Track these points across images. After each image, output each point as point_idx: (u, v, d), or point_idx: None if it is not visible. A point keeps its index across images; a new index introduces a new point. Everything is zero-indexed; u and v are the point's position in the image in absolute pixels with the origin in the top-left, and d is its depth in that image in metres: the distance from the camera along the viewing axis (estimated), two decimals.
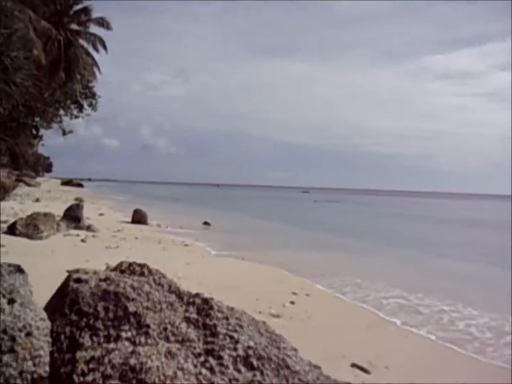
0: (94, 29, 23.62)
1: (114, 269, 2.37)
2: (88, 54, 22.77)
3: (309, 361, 1.95)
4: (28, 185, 27.47)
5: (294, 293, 6.04)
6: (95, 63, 23.30)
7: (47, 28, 19.27)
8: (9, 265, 2.04)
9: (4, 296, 1.78)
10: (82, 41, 22.97)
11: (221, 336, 1.83)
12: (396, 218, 26.47)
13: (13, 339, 1.62)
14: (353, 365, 3.66)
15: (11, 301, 1.76)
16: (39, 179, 46.34)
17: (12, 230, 7.48)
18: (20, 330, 1.66)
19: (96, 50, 23.47)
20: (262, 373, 1.64)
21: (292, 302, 5.51)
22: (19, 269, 2.03)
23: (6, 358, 1.58)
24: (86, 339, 1.76)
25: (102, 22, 23.53)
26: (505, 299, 6.47)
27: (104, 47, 23.66)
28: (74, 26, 22.92)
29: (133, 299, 1.94)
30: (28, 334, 1.67)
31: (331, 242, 13.58)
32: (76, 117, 25.76)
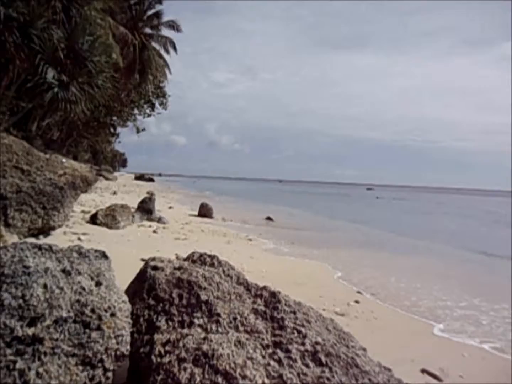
0: (165, 31, 24.90)
1: (186, 259, 2.50)
2: (160, 56, 24.08)
3: (379, 362, 1.89)
4: (106, 179, 29.81)
5: (359, 292, 5.88)
6: (166, 64, 24.59)
7: (124, 33, 20.69)
8: (96, 251, 2.23)
9: (92, 279, 1.96)
10: (154, 44, 24.35)
11: (288, 330, 1.84)
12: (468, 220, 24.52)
13: (100, 318, 1.78)
14: (423, 371, 3.48)
15: (98, 284, 1.94)
16: (115, 173, 50.04)
17: (93, 219, 8.19)
18: (105, 311, 1.81)
19: (167, 51, 24.75)
20: (330, 369, 1.62)
21: (357, 301, 5.36)
22: (104, 255, 2.22)
23: (94, 334, 1.73)
24: (162, 323, 1.88)
25: (173, 25, 24.72)
26: None
27: (174, 48, 24.86)
28: (147, 30, 24.37)
29: (204, 288, 2.03)
30: (113, 314, 1.82)
31: (393, 242, 12.98)
32: (149, 115, 27.45)
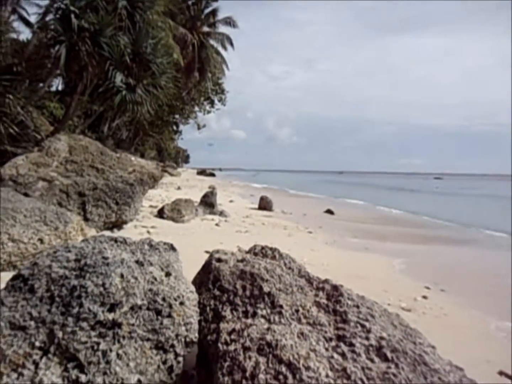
0: (221, 28, 25.38)
1: (248, 251, 2.57)
2: (218, 53, 24.61)
3: (450, 361, 1.81)
4: (171, 175, 31.28)
5: (427, 287, 5.60)
6: (224, 61, 25.09)
7: (184, 33, 21.43)
8: (165, 243, 2.38)
9: (162, 269, 2.09)
10: (212, 41, 24.93)
11: (352, 324, 1.83)
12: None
13: (170, 306, 1.90)
14: (501, 373, 3.24)
15: (167, 274, 2.07)
16: (179, 169, 52.27)
17: (160, 214, 8.67)
18: (175, 299, 1.93)
19: (225, 48, 25.22)
20: (397, 365, 1.59)
21: (424, 297, 5.11)
22: (172, 247, 2.36)
23: (165, 321, 1.86)
24: (227, 313, 1.96)
25: (229, 21, 25.11)
26: None
27: (231, 44, 25.25)
28: (205, 29, 25.00)
29: (267, 280, 2.07)
30: (182, 303, 1.94)
31: (459, 235, 12.11)
32: (209, 112, 28.27)
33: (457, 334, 4.04)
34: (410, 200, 26.64)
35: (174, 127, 30.75)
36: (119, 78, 9.34)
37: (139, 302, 1.86)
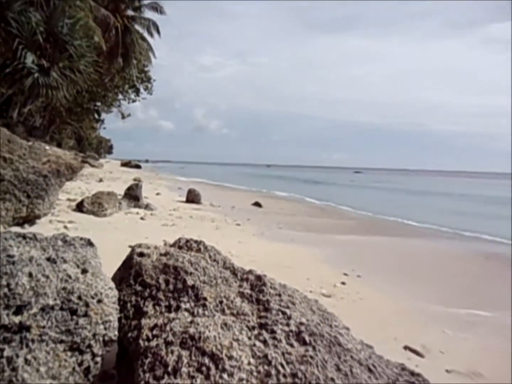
0: (148, 14, 24.29)
1: (173, 245, 2.52)
2: (144, 39, 23.52)
3: (361, 340, 1.96)
4: (92, 166, 29.37)
5: (345, 274, 6.00)
6: (150, 48, 24.06)
7: (106, 15, 20.11)
8: (81, 238, 2.24)
9: (78, 266, 1.96)
10: (137, 27, 23.74)
11: (274, 312, 1.89)
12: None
13: (87, 305, 1.80)
14: (406, 348, 3.61)
15: (84, 271, 1.95)
16: (101, 160, 49.33)
17: (80, 207, 8.11)
18: (92, 297, 1.83)
19: (151, 34, 24.19)
20: (314, 348, 1.68)
21: (343, 283, 5.48)
22: (90, 243, 2.23)
23: (81, 321, 1.76)
24: (149, 308, 1.91)
25: (156, 7, 24.11)
26: None
27: (158, 31, 24.29)
28: (129, 12, 23.71)
29: (191, 273, 2.05)
30: (99, 301, 1.84)
31: (380, 224, 13.23)
32: (133, 101, 26.98)
33: (370, 316, 4.40)
34: (331, 193, 28.23)
35: (96, 115, 28.87)
36: (30, 58, 8.48)
37: (51, 302, 1.73)
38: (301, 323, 1.82)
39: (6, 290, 1.68)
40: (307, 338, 1.74)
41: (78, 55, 9.23)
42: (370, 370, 1.67)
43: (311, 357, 1.64)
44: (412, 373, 1.74)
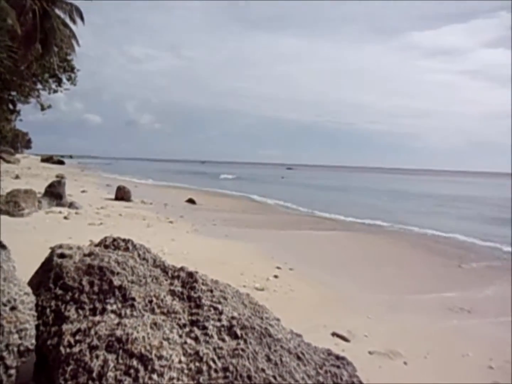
0: None
1: (98, 244, 2.38)
2: (66, 25, 21.83)
3: (291, 330, 2.03)
4: (7, 162, 26.73)
5: (278, 268, 6.16)
6: (73, 35, 22.40)
7: None
8: None
9: None
10: (58, 11, 21.95)
11: (205, 308, 1.88)
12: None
13: None
14: (334, 334, 3.81)
15: None
16: (18, 155, 45.14)
17: None
18: (4, 305, 1.66)
19: (73, 21, 22.50)
20: (245, 341, 1.70)
21: (275, 276, 5.62)
22: (1, 245, 2.03)
23: None
24: (71, 312, 1.79)
25: None
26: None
27: (82, 17, 22.67)
28: None
29: (118, 273, 1.96)
30: (13, 308, 1.68)
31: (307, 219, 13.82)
32: (55, 91, 24.95)
33: (301, 306, 4.57)
34: (265, 189, 28.76)
35: (10, 106, 26.20)
36: None
37: None
38: (233, 317, 1.83)
39: None
40: (238, 332, 1.75)
41: None
42: (299, 358, 1.74)
43: (242, 350, 1.66)
44: (338, 357, 1.84)
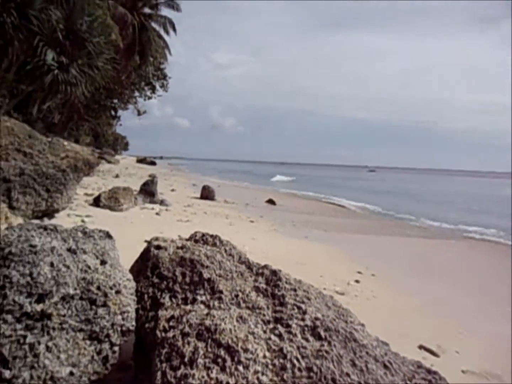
0: (164, 11, 24.44)
1: (189, 238, 2.54)
2: (160, 36, 23.70)
3: (377, 337, 1.95)
4: (108, 162, 29.79)
5: (359, 272, 5.96)
6: (166, 45, 24.22)
7: (123, 13, 20.32)
8: (100, 231, 2.28)
9: (97, 257, 2.00)
10: (154, 24, 23.92)
11: (289, 306, 1.90)
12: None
13: (105, 295, 1.83)
14: (421, 347, 3.57)
15: (103, 262, 1.98)
16: (117, 157, 49.99)
17: (97, 202, 8.24)
18: (111, 288, 1.86)
19: (167, 32, 24.34)
20: (329, 343, 1.68)
21: (357, 281, 5.45)
22: (108, 235, 2.27)
23: (100, 311, 1.79)
24: (166, 300, 1.93)
25: (172, 4, 24.26)
26: None
27: (174, 29, 24.43)
28: (146, 10, 23.90)
29: (207, 267, 2.07)
30: (118, 292, 1.87)
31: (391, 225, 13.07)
32: (149, 98, 27.24)
33: (385, 314, 4.36)
34: (343, 191, 27.98)
35: (112, 112, 29.24)
36: (50, 55, 8.64)
37: (71, 292, 1.77)
38: (316, 318, 1.82)
39: (28, 279, 1.72)
40: (322, 333, 1.74)
41: (96, 52, 9.37)
42: (386, 367, 1.66)
43: (327, 351, 1.64)
44: (429, 371, 1.72)
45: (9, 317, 1.62)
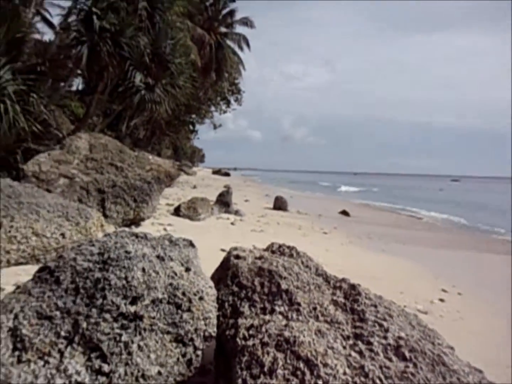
0: (238, 28, 25.47)
1: (266, 249, 2.59)
2: (234, 53, 24.71)
3: (468, 362, 1.80)
4: (187, 174, 31.52)
5: (444, 290, 5.52)
6: (240, 61, 25.17)
7: (202, 34, 21.58)
8: (184, 239, 2.42)
9: (182, 265, 2.13)
10: (229, 42, 25.03)
11: (369, 323, 1.83)
12: None
13: (190, 301, 1.94)
14: None
15: (187, 269, 2.11)
16: (194, 168, 52.63)
17: (177, 212, 8.77)
18: (195, 294, 1.97)
19: (241, 48, 25.29)
20: (415, 365, 1.59)
21: (441, 300, 5.05)
22: (191, 244, 2.40)
23: (185, 315, 1.90)
24: (245, 309, 1.99)
25: (246, 22, 25.19)
26: None
27: (248, 45, 25.30)
28: (222, 29, 25.12)
29: (284, 278, 2.09)
30: (201, 298, 1.97)
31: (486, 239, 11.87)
32: (224, 112, 28.40)
33: (473, 338, 3.98)
34: (422, 203, 26.21)
35: (191, 127, 30.99)
36: (138, 78, 9.50)
37: (160, 296, 1.91)
38: (400, 337, 1.73)
39: (124, 282, 1.90)
40: (407, 354, 1.65)
41: (178, 72, 10.10)
42: None
43: (412, 374, 1.55)
44: None
45: (108, 316, 1.80)
